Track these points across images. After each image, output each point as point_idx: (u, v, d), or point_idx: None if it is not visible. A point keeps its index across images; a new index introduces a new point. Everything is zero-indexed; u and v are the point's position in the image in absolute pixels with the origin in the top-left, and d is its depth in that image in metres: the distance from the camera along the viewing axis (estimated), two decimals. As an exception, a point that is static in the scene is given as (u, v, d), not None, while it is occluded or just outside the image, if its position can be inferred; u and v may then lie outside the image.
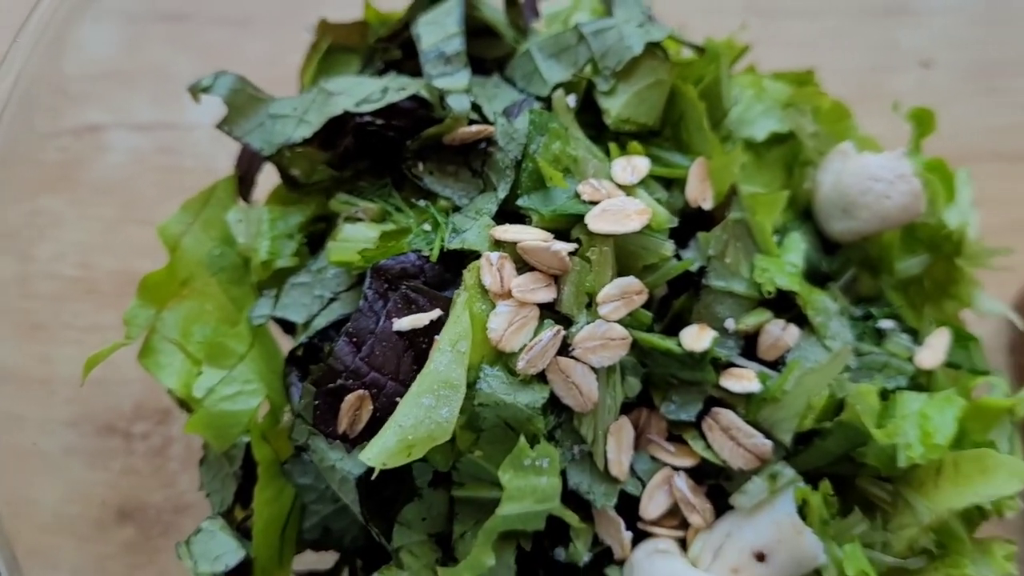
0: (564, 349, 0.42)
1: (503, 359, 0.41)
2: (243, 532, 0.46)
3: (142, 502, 0.60)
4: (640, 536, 0.45)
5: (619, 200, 0.43)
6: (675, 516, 0.45)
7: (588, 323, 0.42)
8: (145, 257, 0.61)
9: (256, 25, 0.70)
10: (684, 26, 0.57)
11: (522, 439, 0.40)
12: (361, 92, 0.47)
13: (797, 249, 0.47)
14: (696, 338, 0.43)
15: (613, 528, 0.44)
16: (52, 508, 0.55)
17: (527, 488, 0.40)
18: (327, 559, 0.50)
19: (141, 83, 0.63)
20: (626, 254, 0.43)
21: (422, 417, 0.38)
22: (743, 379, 0.44)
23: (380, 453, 0.38)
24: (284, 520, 0.46)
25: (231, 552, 0.44)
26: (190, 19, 0.68)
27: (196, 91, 0.49)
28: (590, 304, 0.43)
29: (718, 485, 0.45)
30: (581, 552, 0.44)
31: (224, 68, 0.53)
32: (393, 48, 0.52)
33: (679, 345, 0.43)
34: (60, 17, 0.48)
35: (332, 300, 0.46)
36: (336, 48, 0.54)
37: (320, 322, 0.46)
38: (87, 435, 0.60)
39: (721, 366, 0.45)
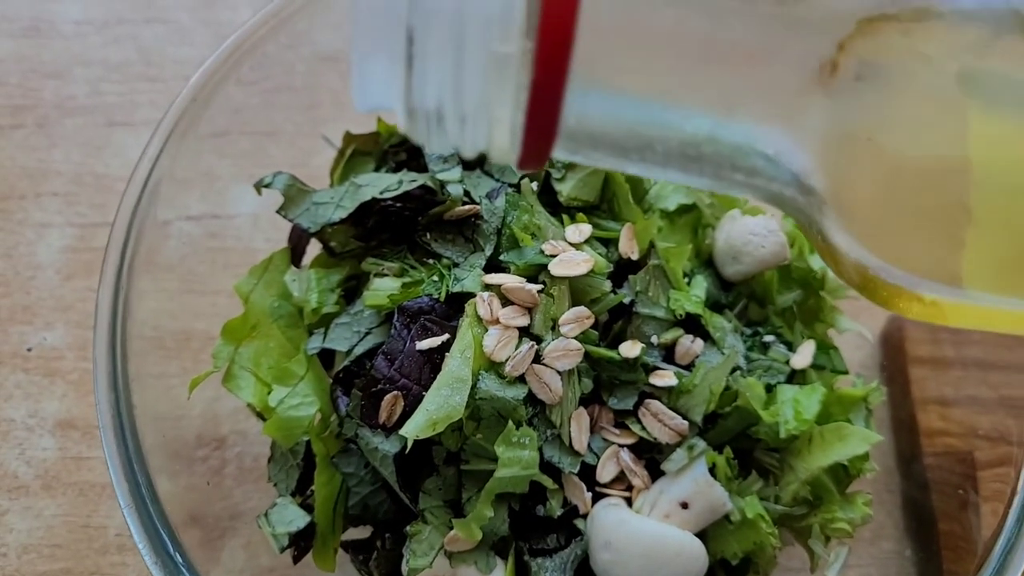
0: (537, 359, 0.59)
1: (495, 367, 0.58)
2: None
3: (204, 512, 0.75)
4: (597, 497, 0.61)
5: (571, 253, 0.61)
6: (622, 481, 0.61)
7: (553, 340, 0.59)
8: (198, 319, 0.76)
9: (281, 136, 0.87)
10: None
11: (510, 423, 0.57)
12: (382, 183, 0.64)
13: (700, 286, 0.65)
14: (630, 349, 0.61)
15: (577, 490, 0.60)
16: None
17: (515, 458, 0.57)
18: (364, 532, 0.65)
19: (195, 185, 0.79)
20: (577, 291, 0.61)
21: (442, 403, 0.55)
22: (665, 377, 0.61)
23: (414, 429, 0.54)
24: (335, 498, 0.62)
25: (299, 518, 0.60)
26: (229, 133, 0.84)
27: (259, 186, 0.66)
28: (554, 327, 0.60)
29: (652, 458, 0.62)
30: (555, 508, 0.60)
31: (257, 170, 0.70)
32: (401, 152, 0.70)
33: (618, 354, 0.61)
34: (168, 146, 0.65)
35: (367, 334, 0.62)
36: (357, 152, 0.72)
37: (359, 350, 0.62)
38: (161, 459, 0.74)
39: (649, 369, 0.62)
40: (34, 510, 0.78)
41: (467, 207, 0.63)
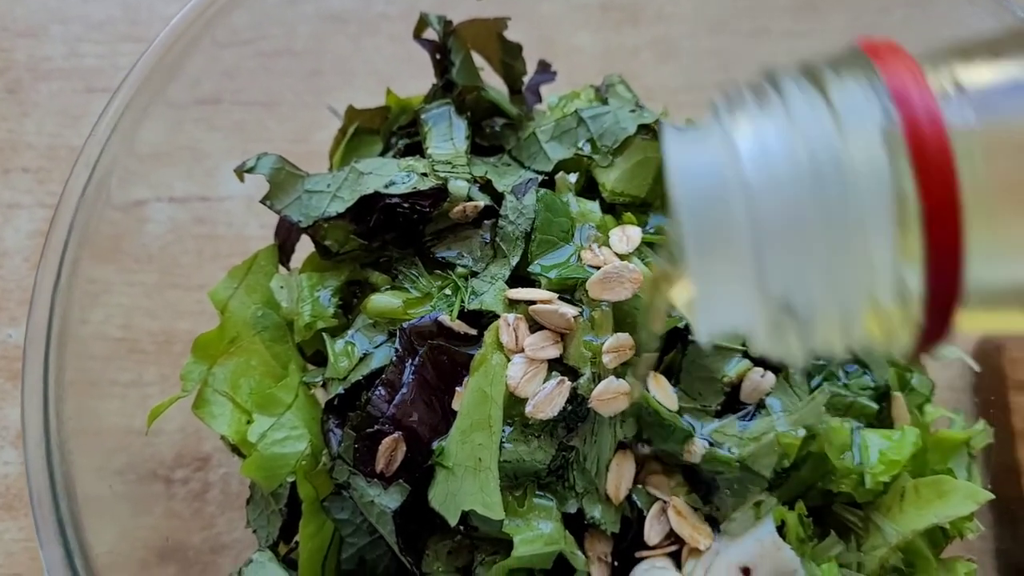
0: (575, 398, 0.48)
1: (518, 406, 0.47)
2: (287, 564, 0.52)
3: (182, 543, 0.65)
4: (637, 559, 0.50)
5: (616, 266, 0.49)
6: (670, 539, 0.51)
7: (594, 373, 0.48)
8: (182, 318, 0.66)
9: (280, 107, 0.76)
10: (669, 103, 0.64)
11: (528, 496, 0.47)
12: (388, 172, 0.53)
13: (771, 306, 0.54)
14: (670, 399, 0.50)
15: (600, 553, 0.50)
16: (105, 549, 0.59)
17: (534, 537, 0.46)
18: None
19: (178, 160, 0.69)
20: (623, 313, 0.50)
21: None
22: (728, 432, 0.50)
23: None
24: (325, 552, 0.51)
25: (279, 581, 0.50)
26: (221, 102, 0.73)
27: (241, 171, 0.55)
28: (594, 356, 0.49)
29: (709, 515, 0.51)
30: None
31: (252, 145, 0.59)
32: (414, 132, 0.59)
33: (665, 409, 0.49)
34: (129, 111, 0.55)
35: (364, 357, 0.52)
36: (361, 130, 0.61)
37: (354, 376, 0.51)
38: (132, 482, 0.64)
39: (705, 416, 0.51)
40: (-7, 533, 0.68)
41: (471, 203, 0.52)
